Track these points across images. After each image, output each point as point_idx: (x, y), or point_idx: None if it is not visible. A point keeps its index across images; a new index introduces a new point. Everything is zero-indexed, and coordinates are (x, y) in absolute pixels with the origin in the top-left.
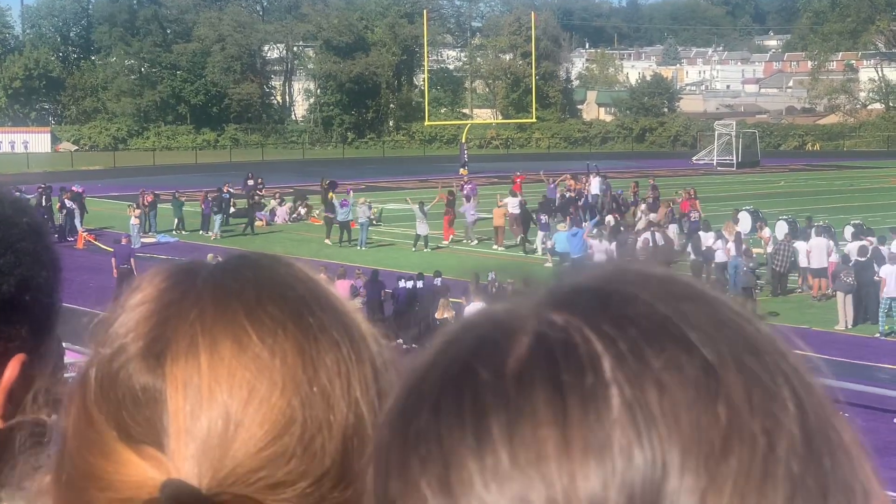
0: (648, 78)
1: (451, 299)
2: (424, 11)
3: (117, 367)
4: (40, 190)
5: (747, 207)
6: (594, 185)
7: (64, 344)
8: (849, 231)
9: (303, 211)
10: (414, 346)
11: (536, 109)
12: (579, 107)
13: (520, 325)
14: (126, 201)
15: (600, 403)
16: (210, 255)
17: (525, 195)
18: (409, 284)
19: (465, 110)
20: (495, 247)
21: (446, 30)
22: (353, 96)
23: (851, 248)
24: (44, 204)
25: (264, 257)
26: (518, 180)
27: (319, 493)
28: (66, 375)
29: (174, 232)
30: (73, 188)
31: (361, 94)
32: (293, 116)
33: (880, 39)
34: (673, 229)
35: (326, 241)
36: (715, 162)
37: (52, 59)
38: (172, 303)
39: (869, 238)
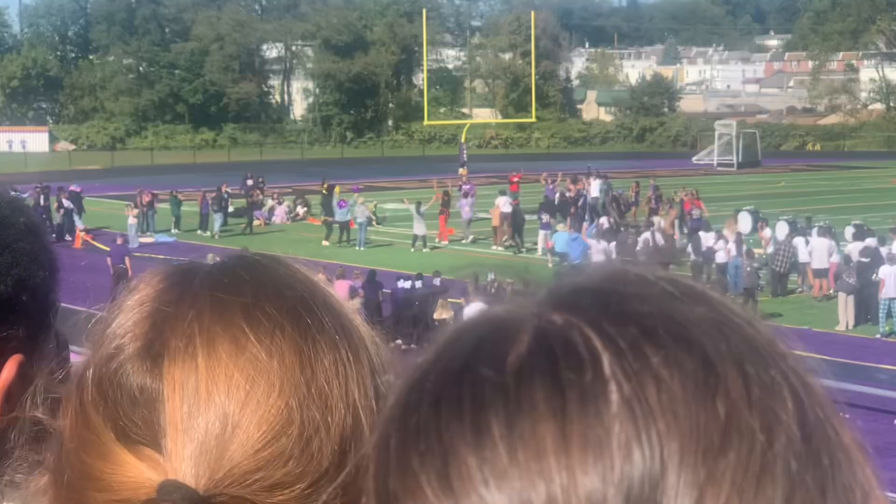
0: (648, 77)
1: (449, 300)
2: (424, 10)
3: (115, 367)
4: (38, 189)
5: (748, 208)
6: (594, 188)
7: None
8: (849, 231)
9: (301, 211)
10: (413, 346)
11: (536, 109)
12: (579, 106)
13: (520, 324)
14: (124, 201)
15: (599, 399)
16: (210, 256)
17: (523, 195)
18: (408, 285)
19: (465, 110)
20: (494, 247)
21: (446, 29)
22: (352, 96)
23: (852, 248)
24: (42, 203)
25: (262, 258)
26: (514, 179)
27: (317, 494)
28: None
29: (172, 231)
30: (71, 188)
31: (360, 94)
32: (292, 116)
33: (881, 39)
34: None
35: (325, 242)
36: (715, 162)
37: (50, 58)
38: (170, 304)
39: (869, 239)
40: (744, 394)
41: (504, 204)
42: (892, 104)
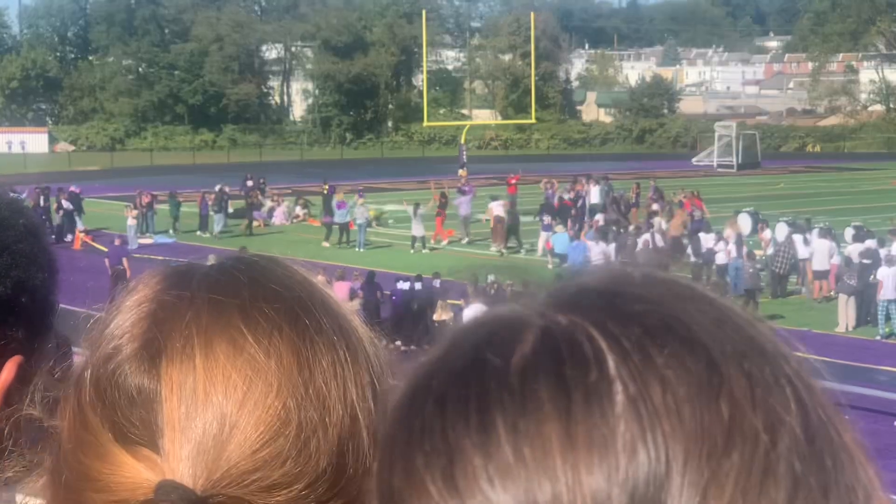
0: (648, 79)
1: (449, 301)
2: (423, 11)
3: (112, 368)
4: (37, 190)
5: (748, 209)
6: (594, 194)
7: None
8: (849, 233)
9: (301, 212)
10: (412, 348)
11: (536, 110)
12: (579, 108)
13: (525, 324)
14: (123, 202)
15: (604, 399)
16: (211, 257)
17: (521, 196)
18: (407, 286)
19: (465, 111)
20: (493, 248)
21: (445, 30)
22: (352, 97)
23: (853, 249)
24: (41, 205)
25: (261, 258)
26: (512, 181)
27: (315, 495)
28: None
29: (171, 232)
30: (71, 189)
31: (360, 95)
32: (291, 117)
33: (881, 41)
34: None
35: (325, 243)
36: (715, 163)
37: (50, 58)
38: (168, 304)
39: (869, 241)
40: (747, 395)
41: (497, 208)
42: (892, 105)
